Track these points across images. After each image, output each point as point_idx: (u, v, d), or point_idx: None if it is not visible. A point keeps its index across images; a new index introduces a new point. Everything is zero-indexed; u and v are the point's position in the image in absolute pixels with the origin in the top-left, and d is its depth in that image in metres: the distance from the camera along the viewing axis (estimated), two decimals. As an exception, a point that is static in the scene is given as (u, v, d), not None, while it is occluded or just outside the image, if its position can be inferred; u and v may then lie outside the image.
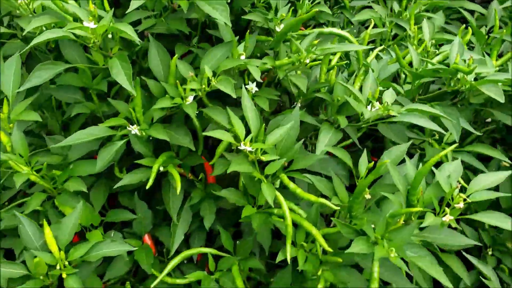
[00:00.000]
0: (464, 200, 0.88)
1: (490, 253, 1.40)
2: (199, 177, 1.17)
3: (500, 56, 1.51)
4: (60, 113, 1.32)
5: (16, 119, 1.05)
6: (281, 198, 0.93)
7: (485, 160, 1.41)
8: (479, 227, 1.42)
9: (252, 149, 0.90)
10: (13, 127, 1.06)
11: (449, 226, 0.94)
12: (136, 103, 1.06)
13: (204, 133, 0.95)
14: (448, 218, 0.88)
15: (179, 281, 1.11)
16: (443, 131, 1.04)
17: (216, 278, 1.07)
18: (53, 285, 1.03)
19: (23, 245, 1.14)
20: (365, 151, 1.00)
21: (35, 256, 1.00)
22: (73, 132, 1.07)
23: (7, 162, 1.07)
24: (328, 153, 1.09)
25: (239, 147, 0.91)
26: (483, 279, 1.16)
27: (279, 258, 0.92)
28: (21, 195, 1.25)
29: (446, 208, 0.89)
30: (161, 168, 1.08)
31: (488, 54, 1.41)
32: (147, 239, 1.21)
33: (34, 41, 0.95)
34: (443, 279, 0.89)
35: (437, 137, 1.34)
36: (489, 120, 1.56)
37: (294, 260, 1.13)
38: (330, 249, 0.91)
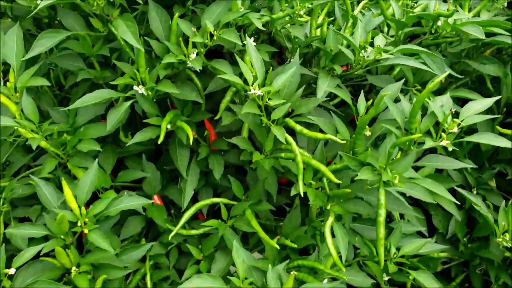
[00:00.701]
0: (458, 124, 0.97)
1: (475, 192, 1.51)
2: (205, 134, 1.22)
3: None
4: (57, 89, 1.34)
5: (24, 85, 1.07)
6: (290, 138, 0.99)
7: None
8: (464, 170, 1.53)
9: (261, 92, 0.96)
10: (21, 95, 1.09)
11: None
12: (140, 64, 1.10)
13: (219, 76, 0.99)
14: (445, 142, 0.96)
15: (194, 231, 1.16)
16: (431, 70, 1.12)
17: (231, 224, 1.12)
18: (73, 244, 1.06)
19: (38, 212, 1.17)
20: (362, 92, 1.07)
21: (55, 218, 1.04)
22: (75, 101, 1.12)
23: (17, 130, 1.10)
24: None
25: (248, 92, 0.96)
26: (475, 206, 1.25)
27: (293, 192, 0.98)
28: (23, 171, 1.27)
29: (443, 134, 0.97)
30: (169, 126, 1.13)
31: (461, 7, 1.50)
32: (156, 199, 1.26)
33: (42, 4, 0.97)
34: (446, 195, 0.97)
35: (419, 87, 1.43)
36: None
37: (302, 203, 1.20)
38: (338, 181, 0.98)
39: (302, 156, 1.02)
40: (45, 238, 1.06)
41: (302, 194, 0.97)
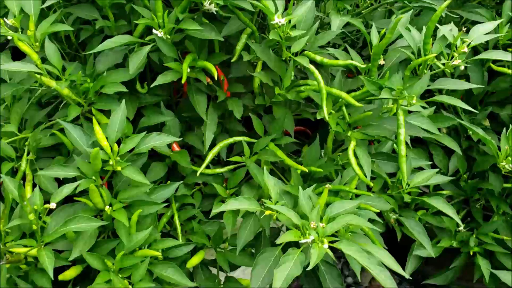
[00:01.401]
0: (468, 44, 1.04)
1: (471, 133, 1.59)
2: (221, 78, 1.25)
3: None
4: (67, 47, 1.35)
5: (46, 32, 1.09)
6: (312, 67, 1.04)
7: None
8: (460, 112, 1.61)
9: (285, 21, 1.00)
10: (40, 45, 1.10)
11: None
12: (158, 9, 1.13)
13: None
14: (457, 61, 1.03)
15: (219, 170, 1.20)
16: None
17: (255, 160, 1.17)
18: (103, 186, 1.09)
19: (61, 162, 1.19)
20: (373, 24, 1.13)
21: (86, 161, 1.06)
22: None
23: (40, 78, 1.11)
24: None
25: (272, 22, 1.01)
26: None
27: (318, 116, 1.03)
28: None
29: (454, 53, 1.04)
30: (188, 69, 1.16)
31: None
32: (175, 147, 1.29)
33: None
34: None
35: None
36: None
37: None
38: (360, 105, 1.04)
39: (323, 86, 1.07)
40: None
41: (327, 117, 1.02)
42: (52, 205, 0.96)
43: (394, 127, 1.09)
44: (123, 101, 1.09)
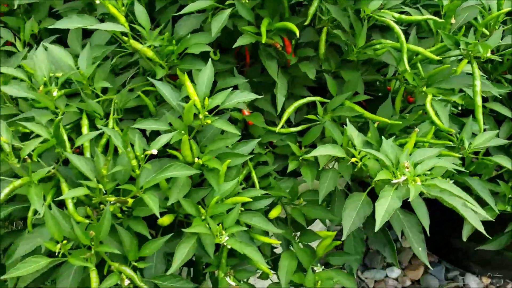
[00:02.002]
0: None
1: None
2: (292, 42, 1.31)
3: None
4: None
5: (133, -4, 1.15)
6: (392, 23, 1.10)
7: None
8: None
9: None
10: (126, 9, 1.16)
11: None
12: (236, -25, 1.19)
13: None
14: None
15: (293, 129, 1.26)
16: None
17: (329, 118, 1.22)
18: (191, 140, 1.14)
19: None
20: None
21: (176, 115, 1.12)
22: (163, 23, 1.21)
23: (128, 40, 1.17)
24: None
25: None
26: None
27: (400, 69, 1.09)
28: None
29: (526, 8, 1.10)
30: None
31: None
32: (245, 112, 1.34)
33: None
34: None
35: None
36: None
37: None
38: (438, 57, 1.10)
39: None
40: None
41: (408, 69, 1.08)
42: (154, 151, 1.01)
43: (465, 82, 1.14)
44: (209, 60, 1.14)
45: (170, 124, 1.12)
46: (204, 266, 1.25)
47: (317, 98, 1.24)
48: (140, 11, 1.15)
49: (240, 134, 1.14)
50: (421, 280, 2.32)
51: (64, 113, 1.12)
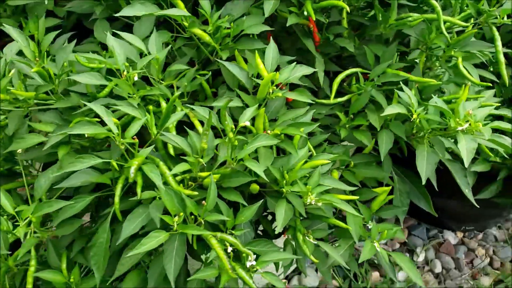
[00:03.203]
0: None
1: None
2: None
3: None
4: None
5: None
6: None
7: None
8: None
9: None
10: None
11: None
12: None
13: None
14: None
15: (340, 99, 1.38)
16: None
17: (374, 85, 1.36)
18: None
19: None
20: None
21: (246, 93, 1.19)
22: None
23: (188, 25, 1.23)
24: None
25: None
26: None
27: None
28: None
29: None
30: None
31: None
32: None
33: None
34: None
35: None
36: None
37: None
38: (466, 24, 1.28)
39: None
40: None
41: (446, 33, 1.25)
42: (247, 123, 1.09)
43: (485, 45, 1.34)
44: (271, 39, 1.23)
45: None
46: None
47: (358, 70, 1.37)
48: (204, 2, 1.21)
49: (311, 102, 1.24)
50: (408, 242, 2.55)
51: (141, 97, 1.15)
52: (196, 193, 1.06)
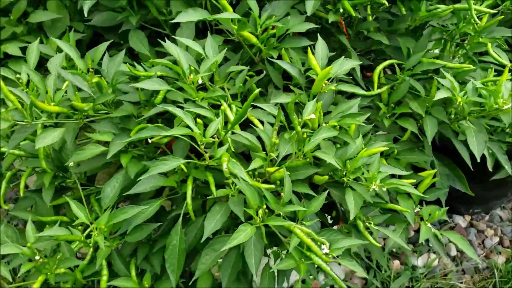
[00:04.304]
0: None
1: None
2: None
3: None
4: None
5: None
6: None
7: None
8: None
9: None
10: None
11: None
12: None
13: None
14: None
15: (379, 90, 1.44)
16: None
17: (410, 74, 1.43)
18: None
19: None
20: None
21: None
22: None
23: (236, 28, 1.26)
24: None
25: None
26: None
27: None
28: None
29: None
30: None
31: None
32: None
33: None
34: None
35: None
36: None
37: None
38: (493, 11, 1.36)
39: None
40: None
41: (477, 21, 1.33)
42: (312, 116, 1.13)
43: (508, 30, 1.43)
44: (319, 36, 1.28)
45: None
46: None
47: (394, 61, 1.44)
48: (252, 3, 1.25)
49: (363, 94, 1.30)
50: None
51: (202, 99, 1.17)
52: (273, 186, 1.09)
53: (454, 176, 1.54)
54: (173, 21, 1.19)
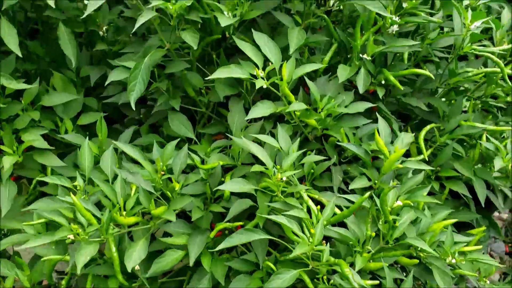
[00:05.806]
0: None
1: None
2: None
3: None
4: None
5: None
6: None
7: None
8: None
9: None
10: None
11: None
12: None
13: None
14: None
15: (419, 157, 1.49)
16: None
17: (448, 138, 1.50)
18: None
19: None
20: None
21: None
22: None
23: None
24: None
25: None
26: None
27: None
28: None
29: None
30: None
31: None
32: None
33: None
34: None
35: None
36: None
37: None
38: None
39: None
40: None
41: (510, 84, 1.43)
42: (399, 203, 1.16)
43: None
44: (378, 116, 1.32)
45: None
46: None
47: (433, 125, 1.50)
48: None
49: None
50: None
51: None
52: (377, 282, 1.10)
53: (490, 224, 1.63)
54: (247, 118, 1.18)
